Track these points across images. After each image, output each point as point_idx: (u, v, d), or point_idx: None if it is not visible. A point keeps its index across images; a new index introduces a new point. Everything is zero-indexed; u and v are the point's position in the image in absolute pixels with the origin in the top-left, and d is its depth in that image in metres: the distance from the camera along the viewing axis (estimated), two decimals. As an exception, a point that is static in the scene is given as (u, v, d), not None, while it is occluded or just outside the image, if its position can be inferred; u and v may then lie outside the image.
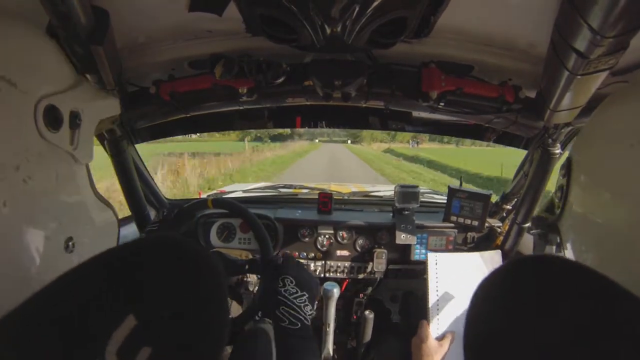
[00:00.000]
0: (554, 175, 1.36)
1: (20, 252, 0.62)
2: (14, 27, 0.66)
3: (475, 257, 1.48)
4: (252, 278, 1.64)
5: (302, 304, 1.02)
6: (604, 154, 0.76)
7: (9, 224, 0.59)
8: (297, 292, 1.04)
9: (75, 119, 0.77)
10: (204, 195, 2.45)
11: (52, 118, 0.70)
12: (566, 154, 1.34)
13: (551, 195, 0.95)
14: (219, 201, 1.43)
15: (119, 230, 0.95)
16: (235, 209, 1.39)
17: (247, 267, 1.31)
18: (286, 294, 1.02)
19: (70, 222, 0.74)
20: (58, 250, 0.69)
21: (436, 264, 1.44)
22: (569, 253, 0.84)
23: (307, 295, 1.04)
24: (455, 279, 1.41)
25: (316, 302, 1.08)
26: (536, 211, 1.31)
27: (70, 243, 0.73)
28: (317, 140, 54.25)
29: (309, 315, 1.03)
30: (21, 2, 0.72)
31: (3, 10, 0.65)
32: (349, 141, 57.43)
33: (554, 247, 0.94)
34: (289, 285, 1.05)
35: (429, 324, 1.33)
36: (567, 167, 0.86)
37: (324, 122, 1.72)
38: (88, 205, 0.82)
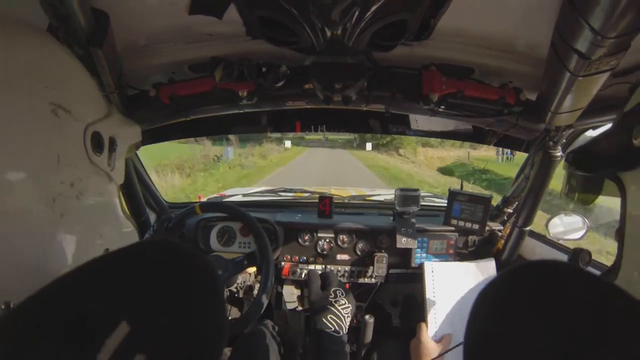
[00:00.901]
0: (554, 178, 1.36)
1: (70, 259, 0.69)
2: (64, 60, 0.74)
3: (469, 265, 1.50)
4: (252, 281, 1.64)
5: (347, 316, 1.12)
6: None
7: (63, 234, 0.67)
8: (345, 303, 1.15)
9: (113, 144, 0.86)
10: (204, 199, 2.45)
11: (97, 143, 0.79)
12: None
13: (614, 134, 0.80)
14: (206, 205, 1.44)
15: (139, 234, 1.02)
16: (222, 208, 1.40)
17: (245, 262, 1.32)
18: (336, 304, 1.12)
19: (108, 234, 0.82)
20: None
21: (432, 271, 1.47)
22: (632, 210, 0.74)
23: (351, 308, 1.15)
24: (450, 285, 1.44)
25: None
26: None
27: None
28: (287, 144, 25.97)
29: (347, 326, 1.12)
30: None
31: (44, 39, 0.71)
32: (368, 146, 21.91)
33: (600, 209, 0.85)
34: (340, 297, 1.16)
35: (427, 327, 1.34)
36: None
37: (324, 126, 1.72)
38: (119, 219, 0.91)
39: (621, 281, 0.83)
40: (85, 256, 0.68)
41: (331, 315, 1.08)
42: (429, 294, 1.42)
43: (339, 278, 1.68)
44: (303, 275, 1.68)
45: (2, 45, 0.61)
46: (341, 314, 1.10)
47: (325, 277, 1.28)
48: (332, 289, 1.17)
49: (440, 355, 1.24)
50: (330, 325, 1.07)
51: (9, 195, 0.58)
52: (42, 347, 0.35)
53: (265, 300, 1.28)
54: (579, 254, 1.13)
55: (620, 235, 0.80)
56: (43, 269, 0.61)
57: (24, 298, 0.38)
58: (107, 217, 0.85)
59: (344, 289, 1.20)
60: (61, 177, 0.66)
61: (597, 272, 1.12)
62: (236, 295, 1.53)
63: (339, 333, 1.07)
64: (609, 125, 0.88)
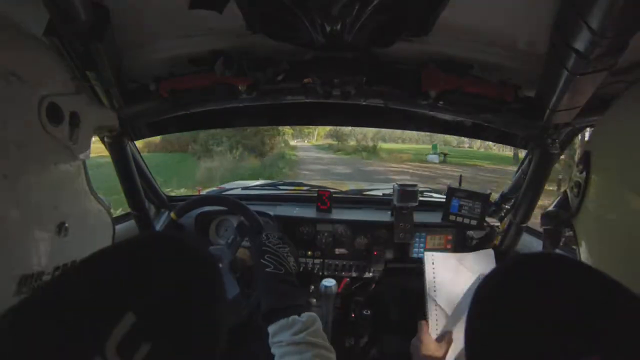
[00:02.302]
0: (552, 174, 1.37)
1: (17, 224, 0.69)
2: (22, 31, 0.76)
3: (468, 257, 1.49)
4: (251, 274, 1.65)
5: (285, 254, 1.07)
6: (625, 150, 0.73)
7: (7, 197, 0.67)
8: (279, 243, 1.10)
9: (75, 119, 0.85)
10: (203, 192, 2.46)
11: (54, 114, 0.79)
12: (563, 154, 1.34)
13: (565, 190, 0.92)
14: (181, 209, 1.44)
15: (113, 227, 1.01)
16: (196, 203, 1.43)
17: (237, 238, 1.32)
18: (270, 244, 1.08)
19: (65, 207, 0.81)
20: (50, 231, 0.76)
21: (433, 263, 1.45)
22: (583, 251, 0.82)
23: (288, 248, 1.10)
24: (451, 279, 1.42)
25: (296, 262, 1.12)
26: (546, 208, 1.28)
27: (62, 227, 0.79)
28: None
29: (292, 266, 1.07)
30: (22, 2, 0.73)
31: (7, 14, 0.73)
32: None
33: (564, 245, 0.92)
34: (271, 237, 1.11)
35: (427, 324, 1.33)
36: (585, 162, 0.82)
37: (322, 120, 1.73)
38: (82, 197, 0.90)
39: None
40: (34, 224, 0.72)
41: (268, 255, 1.04)
42: (429, 288, 1.41)
43: (336, 272, 1.70)
44: (301, 269, 1.70)
45: None
46: (278, 252, 1.06)
47: (261, 226, 1.28)
48: (264, 233, 1.14)
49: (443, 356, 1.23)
50: (269, 264, 1.02)
51: None
52: (43, 340, 0.36)
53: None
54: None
55: None
56: None
57: None
58: (65, 189, 0.85)
59: (277, 232, 1.18)
60: (6, 138, 0.67)
61: None
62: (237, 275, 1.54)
63: (281, 270, 1.02)
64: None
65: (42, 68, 0.81)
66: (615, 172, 0.75)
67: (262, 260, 1.04)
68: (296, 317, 0.89)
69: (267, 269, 1.02)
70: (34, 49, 0.79)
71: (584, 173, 0.81)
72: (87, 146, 0.92)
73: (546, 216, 0.97)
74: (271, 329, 0.90)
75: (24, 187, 0.71)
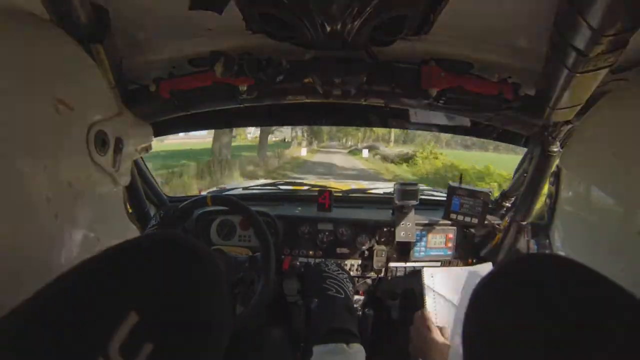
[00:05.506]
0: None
1: (62, 260, 0.66)
2: (73, 56, 0.73)
3: (466, 270, 1.51)
4: (252, 276, 1.65)
5: (345, 280, 1.14)
6: (589, 162, 0.83)
7: (57, 236, 0.64)
8: (338, 270, 1.18)
9: (119, 145, 0.83)
10: (204, 193, 2.46)
11: (101, 142, 0.76)
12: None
13: (543, 202, 0.98)
14: (218, 198, 1.42)
15: None
16: (234, 205, 1.39)
17: (247, 264, 1.32)
18: (329, 271, 1.16)
19: (106, 236, 0.78)
20: None
21: (432, 276, 1.47)
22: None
23: (346, 275, 1.17)
24: (450, 287, 1.44)
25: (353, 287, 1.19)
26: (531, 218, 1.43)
27: None
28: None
29: (350, 291, 1.13)
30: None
31: (50, 28, 0.71)
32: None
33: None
34: (331, 265, 1.19)
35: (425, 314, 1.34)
36: (556, 175, 0.90)
37: (323, 120, 1.72)
38: (121, 223, 0.89)
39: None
40: (78, 258, 0.68)
41: (329, 280, 1.10)
42: (429, 301, 1.41)
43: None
44: (303, 269, 1.70)
45: (4, 36, 0.60)
46: (338, 278, 1.12)
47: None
48: (323, 262, 1.22)
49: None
50: (331, 288, 1.08)
51: None
52: (46, 342, 0.36)
53: (267, 295, 1.29)
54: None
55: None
56: (33, 270, 0.58)
57: (9, 301, 0.38)
58: (107, 219, 0.82)
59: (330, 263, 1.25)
60: (58, 177, 0.63)
61: None
62: (234, 290, 1.55)
63: (341, 294, 1.07)
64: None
65: (89, 91, 0.77)
66: (580, 183, 0.85)
67: (323, 285, 1.10)
68: (344, 346, 0.90)
69: (329, 292, 1.07)
70: (82, 69, 0.75)
71: (555, 185, 0.91)
72: (127, 172, 0.90)
73: (531, 227, 1.09)
74: (317, 349, 0.91)
75: (73, 224, 0.68)
